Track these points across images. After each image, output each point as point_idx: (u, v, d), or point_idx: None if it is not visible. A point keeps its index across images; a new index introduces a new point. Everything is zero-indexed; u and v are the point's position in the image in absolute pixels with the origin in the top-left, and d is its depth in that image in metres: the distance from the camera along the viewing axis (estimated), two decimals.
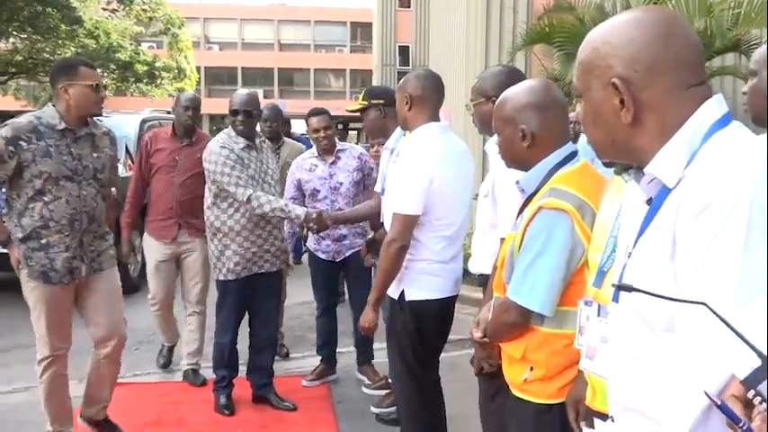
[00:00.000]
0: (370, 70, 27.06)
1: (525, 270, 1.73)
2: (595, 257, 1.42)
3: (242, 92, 3.64)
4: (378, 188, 3.62)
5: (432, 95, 2.72)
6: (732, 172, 0.94)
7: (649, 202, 1.08)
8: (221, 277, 3.53)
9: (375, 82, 22.98)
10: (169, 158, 3.98)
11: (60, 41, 17.22)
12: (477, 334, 1.98)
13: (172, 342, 4.29)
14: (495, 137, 2.42)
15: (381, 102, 3.47)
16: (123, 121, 6.93)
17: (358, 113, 3.58)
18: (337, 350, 4.19)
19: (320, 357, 4.15)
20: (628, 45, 1.06)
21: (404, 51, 20.71)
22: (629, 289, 0.97)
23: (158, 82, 20.45)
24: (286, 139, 4.86)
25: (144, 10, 20.31)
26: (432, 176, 2.55)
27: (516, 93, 1.89)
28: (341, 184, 3.94)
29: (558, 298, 1.72)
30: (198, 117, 4.13)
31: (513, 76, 2.45)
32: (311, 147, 4.19)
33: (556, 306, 1.72)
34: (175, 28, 22.06)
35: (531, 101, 1.84)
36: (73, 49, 17.50)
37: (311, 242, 4.05)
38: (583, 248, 1.69)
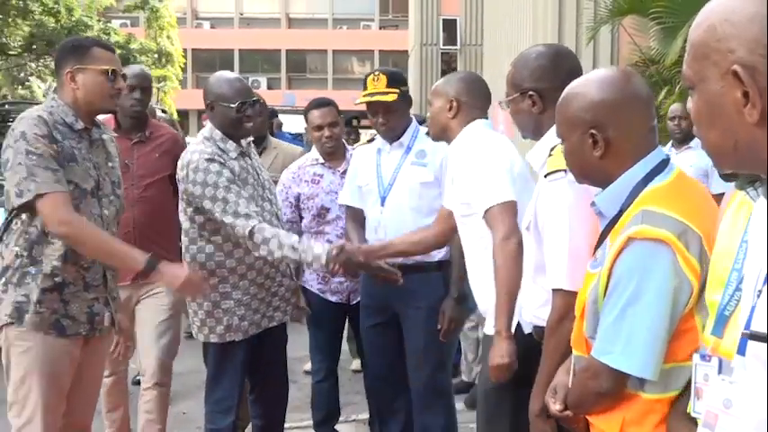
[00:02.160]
0: (405, 51, 27.24)
1: (616, 322, 1.71)
2: (714, 298, 1.43)
3: (227, 75, 3.44)
4: (348, 200, 3.63)
5: (481, 101, 2.90)
6: None
7: None
8: (214, 339, 3.32)
9: (412, 66, 23.13)
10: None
11: (9, 20, 17.64)
12: (557, 406, 1.96)
13: None
14: (539, 145, 2.46)
15: (407, 89, 3.53)
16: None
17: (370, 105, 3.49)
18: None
19: None
20: (751, 23, 1.07)
21: (449, 27, 20.81)
22: (762, 339, 0.98)
23: None
24: (273, 139, 4.68)
25: None
26: (511, 159, 2.72)
27: (584, 86, 1.88)
28: None
29: (662, 356, 1.70)
30: (149, 101, 3.92)
31: (560, 61, 2.46)
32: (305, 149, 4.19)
33: (660, 366, 1.70)
34: (155, 1, 22.60)
35: (605, 97, 1.83)
36: (26, 29, 18.01)
37: (311, 278, 3.87)
38: (690, 288, 1.67)
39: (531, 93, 2.43)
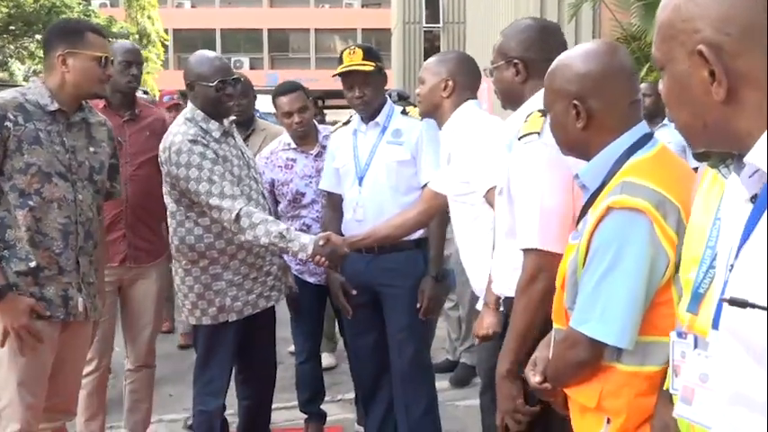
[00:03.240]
0: (388, 29, 27.13)
1: (593, 291, 1.74)
2: (689, 276, 1.45)
3: (206, 54, 3.42)
4: (328, 185, 3.63)
5: (474, 81, 3.00)
6: None
7: (754, 199, 1.10)
8: (207, 321, 3.28)
9: (395, 44, 23.04)
10: None
11: None
12: (536, 378, 2.00)
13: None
14: (517, 113, 2.49)
15: (382, 65, 3.51)
16: None
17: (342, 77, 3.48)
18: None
19: (305, 415, 4.13)
20: (717, 2, 1.08)
21: (432, 4, 20.72)
22: (744, 305, 1.00)
23: None
24: (260, 121, 4.61)
25: None
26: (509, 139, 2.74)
27: (570, 58, 1.92)
28: None
29: (638, 325, 1.73)
30: (141, 76, 3.87)
31: (547, 34, 2.52)
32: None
33: (636, 336, 1.73)
34: None
35: (589, 69, 1.87)
36: (4, 10, 17.78)
37: (289, 259, 3.80)
38: (666, 258, 1.70)
39: (516, 61, 2.47)
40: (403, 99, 5.42)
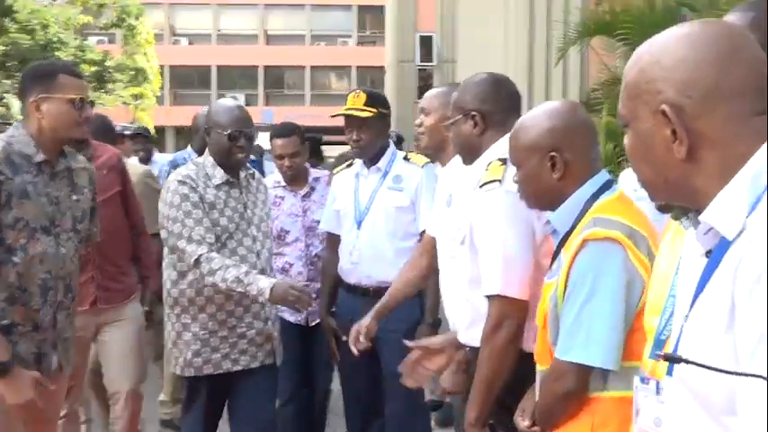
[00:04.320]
0: (382, 67, 27.39)
1: (575, 320, 1.80)
2: (652, 323, 1.49)
3: (227, 103, 3.43)
4: (328, 226, 3.66)
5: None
6: None
7: (708, 254, 1.15)
8: (178, 371, 3.25)
9: (389, 82, 23.24)
10: None
11: None
12: (525, 422, 2.03)
13: None
14: (478, 163, 2.50)
15: (387, 112, 3.57)
16: None
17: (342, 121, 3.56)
18: None
19: None
20: (680, 66, 1.15)
21: (426, 43, 20.96)
22: (677, 360, 1.05)
23: (109, 86, 20.92)
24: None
25: None
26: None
27: (538, 116, 2.06)
28: (318, 222, 3.89)
29: (621, 346, 1.79)
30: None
31: (500, 86, 2.59)
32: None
33: (620, 359, 1.79)
34: (132, 18, 22.62)
35: (558, 124, 2.01)
36: (1, 48, 17.93)
37: None
38: (642, 283, 1.78)
39: (473, 113, 2.53)
40: (400, 142, 5.48)
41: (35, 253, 2.68)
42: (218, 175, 3.20)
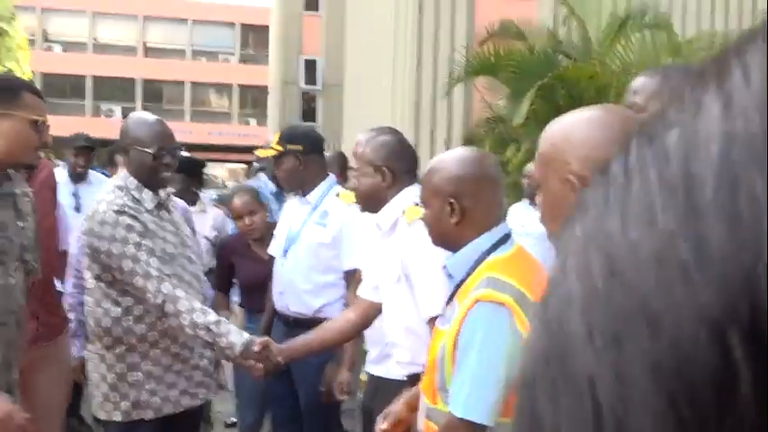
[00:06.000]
0: (266, 87, 27.37)
1: (463, 379, 1.94)
2: None
3: (146, 117, 3.14)
4: (274, 251, 3.71)
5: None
6: None
7: None
8: (118, 417, 2.92)
9: (272, 102, 23.28)
10: None
11: None
12: (384, 426, 2.23)
13: None
14: (389, 207, 2.72)
15: (300, 148, 3.60)
16: None
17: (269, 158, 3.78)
18: None
19: None
20: (585, 143, 1.39)
21: (310, 66, 21.17)
22: None
23: None
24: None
25: None
26: None
27: (446, 161, 2.20)
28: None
29: (500, 404, 1.91)
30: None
31: (405, 146, 2.87)
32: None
33: (495, 415, 1.91)
34: (4, 22, 21.70)
35: (462, 172, 2.13)
36: None
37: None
38: None
39: (384, 168, 2.75)
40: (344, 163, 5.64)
41: None
42: (148, 198, 2.98)
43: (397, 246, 2.63)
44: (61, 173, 4.79)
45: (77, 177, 4.83)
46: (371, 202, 2.80)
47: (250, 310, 4.16)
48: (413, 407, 2.36)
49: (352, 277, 3.41)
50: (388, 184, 2.74)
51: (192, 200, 4.89)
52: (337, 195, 3.60)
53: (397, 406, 2.28)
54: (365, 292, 2.94)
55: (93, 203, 2.97)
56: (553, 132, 1.46)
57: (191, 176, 5.17)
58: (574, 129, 1.42)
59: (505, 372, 1.93)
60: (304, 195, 3.62)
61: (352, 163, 3.03)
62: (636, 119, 1.46)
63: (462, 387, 1.95)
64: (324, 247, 3.51)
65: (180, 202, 4.28)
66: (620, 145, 1.03)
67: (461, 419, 1.94)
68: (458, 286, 2.09)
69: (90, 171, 5.39)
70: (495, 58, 6.54)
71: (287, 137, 3.69)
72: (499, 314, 1.93)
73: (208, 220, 5.21)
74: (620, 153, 0.28)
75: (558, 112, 5.62)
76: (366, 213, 3.00)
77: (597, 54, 6.50)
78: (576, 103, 5.13)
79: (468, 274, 2.06)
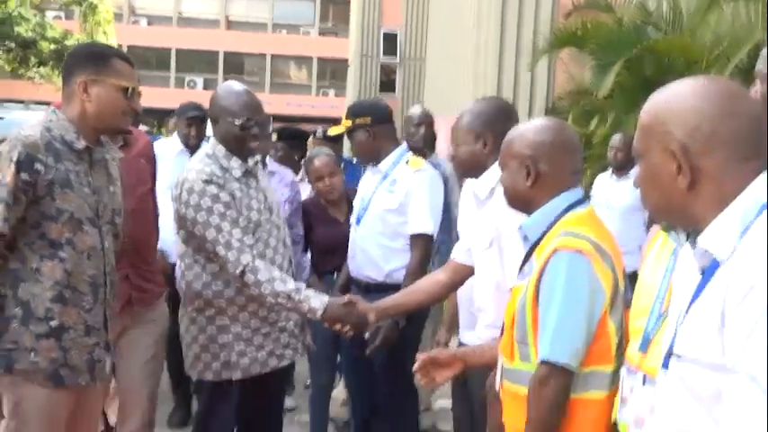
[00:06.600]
0: (345, 60, 27.45)
1: (547, 325, 1.98)
2: (637, 324, 1.74)
3: (236, 87, 3.13)
4: (353, 218, 3.79)
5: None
6: None
7: (703, 270, 1.40)
8: (209, 376, 3.04)
9: (351, 75, 23.33)
10: None
11: None
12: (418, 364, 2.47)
13: None
14: (487, 175, 2.77)
15: (368, 120, 3.67)
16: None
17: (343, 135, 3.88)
18: None
19: None
20: (690, 113, 1.40)
21: (390, 39, 21.09)
22: (679, 358, 1.29)
23: None
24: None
25: None
26: None
27: (526, 128, 2.26)
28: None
29: (584, 350, 1.97)
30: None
31: (504, 112, 2.87)
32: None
33: (581, 360, 1.97)
34: None
35: (539, 138, 2.20)
36: None
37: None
38: (603, 294, 1.98)
39: (484, 135, 2.80)
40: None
41: (84, 247, 2.50)
42: (236, 166, 3.03)
43: (492, 212, 2.69)
44: (176, 144, 4.86)
45: (191, 149, 4.81)
46: (472, 168, 2.86)
47: (321, 273, 4.24)
48: (460, 360, 2.50)
49: (416, 241, 3.52)
50: (489, 151, 2.78)
51: (295, 169, 4.99)
52: (407, 163, 3.66)
53: (444, 352, 2.43)
54: (458, 254, 2.99)
55: (184, 172, 3.03)
56: (657, 102, 1.47)
57: (292, 147, 5.29)
58: (677, 99, 1.44)
59: (587, 317, 1.97)
60: (376, 165, 3.71)
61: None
62: (745, 94, 1.46)
63: (546, 332, 1.99)
64: (391, 212, 3.59)
65: (287, 175, 4.49)
66: (725, 116, 1.08)
67: (547, 362, 1.97)
68: (532, 248, 2.15)
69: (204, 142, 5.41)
70: (583, 31, 6.44)
71: (354, 111, 3.77)
72: (579, 260, 1.98)
73: (306, 188, 5.29)
74: None
75: (645, 84, 5.52)
76: (463, 180, 3.08)
77: (688, 26, 6.32)
78: (665, 75, 5.02)
79: (544, 234, 2.12)
